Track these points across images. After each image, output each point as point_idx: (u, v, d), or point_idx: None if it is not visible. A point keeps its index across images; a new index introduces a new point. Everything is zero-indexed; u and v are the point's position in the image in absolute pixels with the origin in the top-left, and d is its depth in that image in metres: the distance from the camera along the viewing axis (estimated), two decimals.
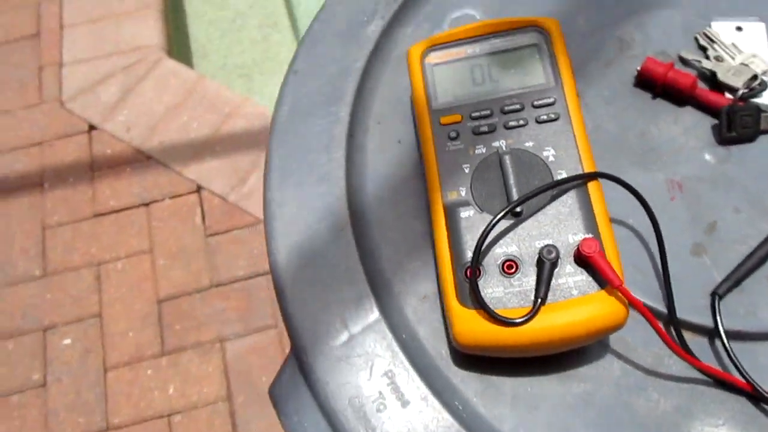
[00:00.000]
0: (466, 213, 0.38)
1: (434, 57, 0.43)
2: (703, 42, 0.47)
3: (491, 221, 0.36)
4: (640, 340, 0.39)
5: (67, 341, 1.27)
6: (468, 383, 0.40)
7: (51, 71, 1.59)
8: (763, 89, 0.45)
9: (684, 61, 0.47)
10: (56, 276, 1.34)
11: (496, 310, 0.35)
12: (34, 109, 1.54)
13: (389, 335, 0.40)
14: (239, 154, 1.44)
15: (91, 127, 1.50)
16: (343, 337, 0.40)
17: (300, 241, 0.43)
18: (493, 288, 0.36)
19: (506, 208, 0.36)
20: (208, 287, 1.30)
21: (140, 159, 1.45)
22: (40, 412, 1.21)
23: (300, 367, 0.40)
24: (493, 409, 0.38)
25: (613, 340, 0.39)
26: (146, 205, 1.40)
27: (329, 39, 0.50)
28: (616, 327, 0.36)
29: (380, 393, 0.39)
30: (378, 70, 0.49)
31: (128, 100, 1.52)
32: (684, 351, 0.36)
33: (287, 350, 1.20)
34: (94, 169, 1.45)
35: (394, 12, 0.50)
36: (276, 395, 0.40)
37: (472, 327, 0.36)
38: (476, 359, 0.39)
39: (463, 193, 0.39)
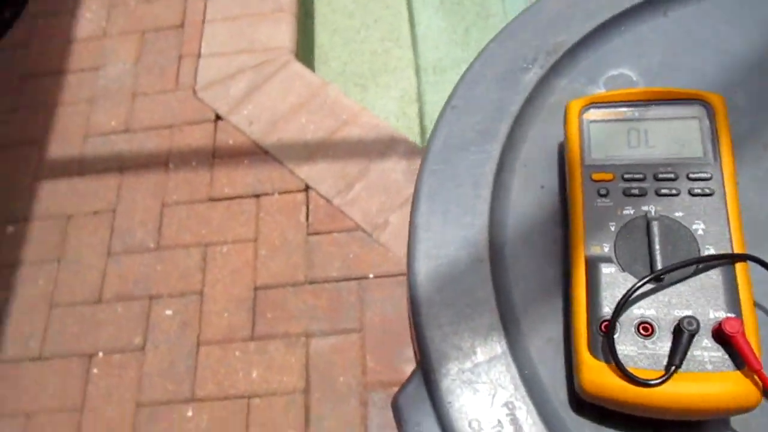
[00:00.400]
0: (607, 269, 0.40)
1: (593, 114, 0.45)
2: None
3: (637, 283, 0.38)
4: (763, 426, 0.39)
5: (169, 312, 1.37)
6: (582, 429, 0.41)
7: (189, 61, 1.72)
8: None
9: None
10: (168, 251, 1.44)
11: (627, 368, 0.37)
12: (170, 95, 1.67)
13: (513, 369, 0.42)
14: (350, 161, 1.50)
15: (218, 117, 1.61)
16: (471, 362, 0.43)
17: (440, 265, 0.46)
18: (626, 346, 0.38)
19: (655, 273, 0.38)
20: (303, 283, 1.37)
21: (258, 153, 1.54)
22: (136, 374, 1.31)
23: (426, 382, 0.43)
24: None
25: (735, 419, 0.40)
26: (257, 196, 1.49)
27: (489, 80, 0.53)
28: (747, 409, 0.36)
29: (499, 421, 0.41)
30: (530, 116, 0.52)
31: (254, 97, 1.62)
32: None
33: (368, 355, 1.24)
34: (215, 156, 1.55)
35: (553, 63, 0.52)
36: (400, 404, 0.43)
37: (600, 379, 0.38)
38: (594, 408, 0.41)
39: (606, 249, 0.41)
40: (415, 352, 0.48)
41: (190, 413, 1.25)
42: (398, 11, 2.11)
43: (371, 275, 1.36)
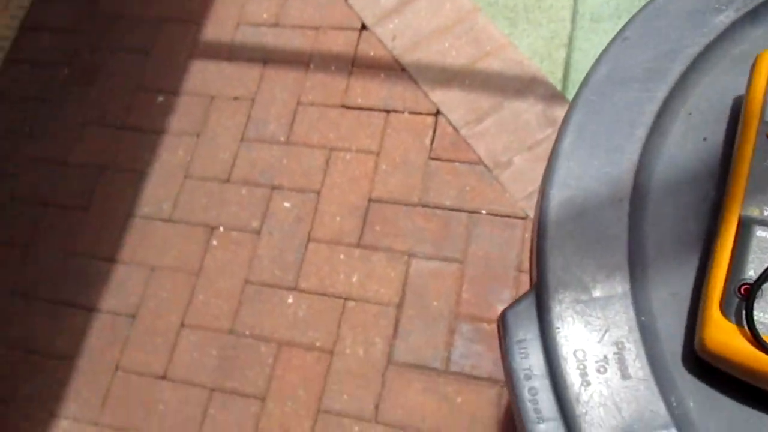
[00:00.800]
0: (762, 233, 0.38)
1: None
2: None
3: None
4: None
5: (287, 204, 1.44)
6: (689, 386, 0.40)
7: None
8: None
9: None
10: (295, 147, 1.51)
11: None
12: None
13: (631, 312, 0.42)
14: (484, 94, 1.47)
15: (363, 27, 1.62)
16: (588, 295, 0.42)
17: (576, 196, 0.45)
18: (764, 313, 0.36)
19: None
20: (415, 204, 1.39)
21: (395, 69, 1.55)
22: (249, 254, 1.41)
23: (538, 304, 0.43)
24: (706, 422, 0.39)
25: None
26: (387, 112, 1.50)
27: (671, 15, 0.50)
28: None
29: (605, 357, 0.41)
30: (710, 61, 0.48)
31: (402, 12, 1.61)
32: None
33: (464, 286, 1.26)
34: (354, 65, 1.58)
35: (753, 7, 0.48)
36: (507, 319, 0.44)
37: (727, 340, 0.36)
38: (707, 370, 0.40)
39: (765, 213, 0.38)
40: (530, 275, 0.48)
41: (290, 300, 1.34)
42: None
43: (484, 211, 1.36)
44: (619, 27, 0.49)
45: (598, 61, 0.50)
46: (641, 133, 0.46)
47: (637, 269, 0.43)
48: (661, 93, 0.47)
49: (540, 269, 0.44)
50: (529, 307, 0.44)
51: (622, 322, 0.41)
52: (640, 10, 0.51)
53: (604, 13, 1.92)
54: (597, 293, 0.42)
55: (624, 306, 0.42)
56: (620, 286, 0.43)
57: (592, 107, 0.48)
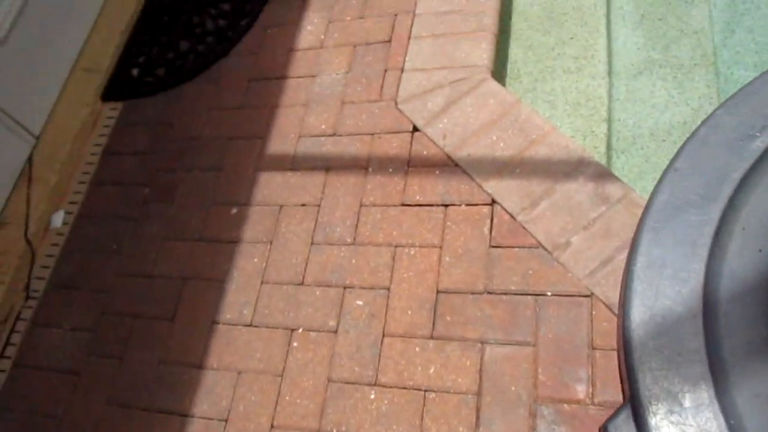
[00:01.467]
0: None
1: None
2: None
3: None
4: None
5: (360, 302, 1.53)
6: None
7: (393, 74, 1.88)
8: None
9: None
10: (362, 247, 1.61)
11: None
12: (373, 104, 1.84)
13: (720, 418, 0.47)
14: (536, 180, 1.56)
15: (415, 129, 1.75)
16: (679, 405, 0.48)
17: (654, 315, 0.52)
18: None
19: None
20: (481, 292, 1.46)
21: (449, 165, 1.66)
22: (328, 353, 1.49)
23: (635, 416, 0.49)
24: None
25: None
26: (445, 206, 1.60)
27: (713, 146, 0.57)
28: None
29: None
30: (753, 182, 0.55)
31: (450, 111, 1.74)
32: None
33: (540, 369, 1.30)
34: (409, 165, 1.69)
35: None
36: (609, 431, 0.50)
37: None
38: None
39: None
40: (622, 388, 0.54)
41: (372, 395, 1.40)
42: (596, 28, 2.10)
43: (549, 293, 1.41)
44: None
45: (655, 190, 0.58)
46: (703, 252, 0.53)
47: (719, 377, 0.49)
48: (716, 214, 0.55)
49: (631, 384, 0.50)
50: (626, 420, 0.50)
51: (713, 427, 0.47)
52: (685, 143, 0.59)
53: (639, 85, 2.01)
54: (687, 403, 0.48)
55: (713, 412, 0.48)
56: (706, 394, 0.49)
57: (656, 233, 0.55)
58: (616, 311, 1.34)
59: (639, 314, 0.52)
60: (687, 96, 1.91)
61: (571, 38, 2.10)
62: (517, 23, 2.17)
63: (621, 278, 0.55)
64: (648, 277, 0.53)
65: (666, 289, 0.52)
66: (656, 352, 0.50)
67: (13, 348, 1.79)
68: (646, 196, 1.55)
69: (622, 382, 0.52)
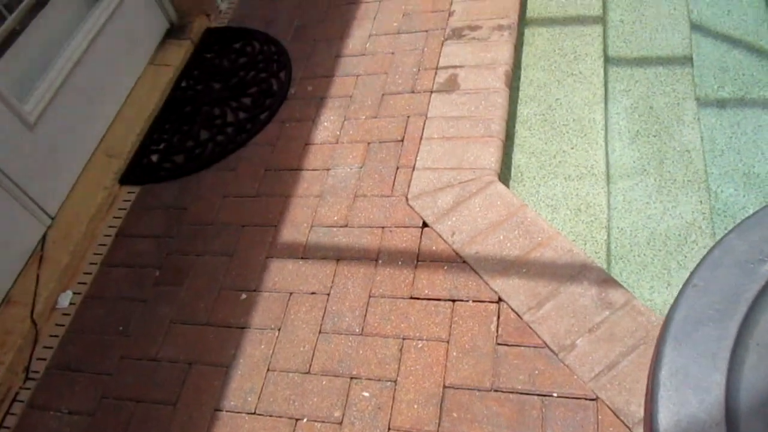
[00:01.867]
0: None
1: None
2: None
3: None
4: None
5: (366, 394, 1.54)
6: None
7: (404, 172, 1.98)
8: None
9: None
10: (370, 338, 1.63)
11: None
12: (385, 199, 1.92)
13: None
14: (541, 281, 1.61)
15: (424, 224, 1.82)
16: None
17: (680, 421, 0.56)
18: None
19: None
20: (489, 389, 1.47)
21: (456, 261, 1.72)
22: None
23: None
24: None
25: None
26: (453, 301, 1.64)
27: (727, 266, 0.64)
28: None
29: None
30: (764, 302, 0.61)
31: (458, 210, 1.82)
32: None
33: None
34: (419, 259, 1.75)
35: None
36: None
37: None
38: None
39: None
40: None
41: None
42: (594, 140, 2.23)
43: (555, 394, 1.43)
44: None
45: (675, 304, 0.63)
46: (722, 364, 0.58)
47: None
48: (733, 330, 0.60)
49: None
50: None
51: None
52: (701, 262, 0.65)
53: (635, 195, 2.12)
54: None
55: None
56: None
57: (679, 344, 0.60)
58: (622, 417, 1.36)
59: (666, 419, 0.56)
60: (681, 209, 2.01)
61: (572, 148, 2.23)
62: (520, 131, 2.31)
63: (645, 387, 0.59)
64: (673, 385, 0.58)
65: (690, 398, 0.57)
66: None
67: (7, 431, 1.76)
68: (645, 303, 1.61)
69: None
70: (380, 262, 1.78)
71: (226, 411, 1.61)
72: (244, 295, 1.83)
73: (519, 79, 2.51)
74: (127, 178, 2.31)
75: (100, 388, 1.76)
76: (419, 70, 2.30)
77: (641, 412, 1.37)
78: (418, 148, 2.03)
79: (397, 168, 2.00)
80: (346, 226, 1.90)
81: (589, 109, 2.34)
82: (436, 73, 2.26)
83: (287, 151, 2.18)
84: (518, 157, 2.24)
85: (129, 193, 2.27)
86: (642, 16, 2.77)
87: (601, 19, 2.64)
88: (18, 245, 2.05)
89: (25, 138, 2.08)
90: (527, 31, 2.64)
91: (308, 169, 2.10)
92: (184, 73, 2.64)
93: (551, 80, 2.48)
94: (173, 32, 2.78)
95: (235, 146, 2.27)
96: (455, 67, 2.27)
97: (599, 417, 1.39)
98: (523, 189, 2.16)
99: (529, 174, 2.19)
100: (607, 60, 2.59)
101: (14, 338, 1.89)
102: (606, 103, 2.39)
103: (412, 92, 2.23)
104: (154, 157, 2.35)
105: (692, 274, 0.64)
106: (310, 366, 1.63)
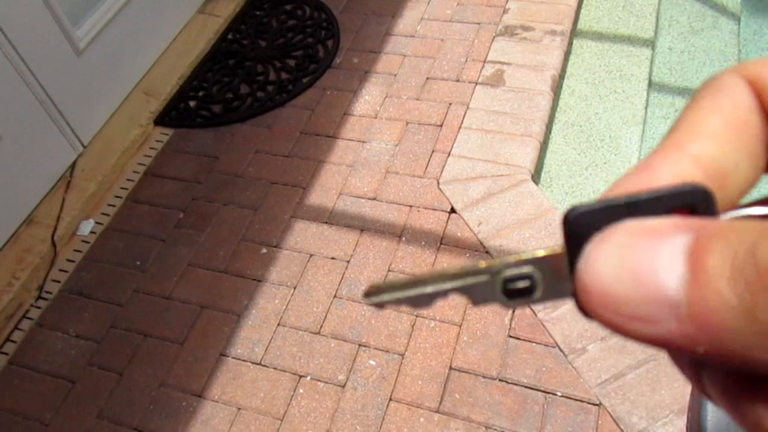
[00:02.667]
0: None
1: None
2: None
3: None
4: None
5: (372, 362, 1.56)
6: None
7: (439, 156, 1.99)
8: None
9: None
10: (384, 310, 1.64)
11: None
12: (416, 180, 1.94)
13: None
14: None
15: (452, 210, 1.84)
16: None
17: None
18: None
19: None
20: (494, 378, 1.49)
21: (479, 250, 1.73)
22: (333, 406, 1.50)
23: None
24: None
25: None
26: None
27: None
28: None
29: None
30: None
31: (488, 202, 1.83)
32: None
33: None
34: (442, 242, 1.77)
35: None
36: None
37: None
38: None
39: None
40: None
41: None
42: (628, 160, 2.24)
43: (559, 393, 1.45)
44: None
45: None
46: None
47: None
48: None
49: None
50: None
51: None
52: None
53: None
54: None
55: None
56: None
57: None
58: (622, 426, 1.37)
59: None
60: None
61: (605, 163, 2.24)
62: (555, 138, 2.31)
63: None
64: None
65: None
66: None
67: (13, 345, 1.78)
68: None
69: None
70: (404, 239, 1.80)
71: (232, 357, 1.63)
72: (264, 250, 1.85)
73: (561, 87, 2.52)
74: (162, 119, 2.32)
75: (110, 318, 1.78)
76: (467, 60, 2.31)
77: (641, 424, 1.38)
78: (456, 136, 2.04)
79: (433, 151, 2.01)
80: (374, 199, 1.91)
81: (627, 129, 2.34)
82: (483, 66, 2.27)
83: (325, 118, 2.19)
84: (550, 163, 2.25)
85: (162, 134, 2.28)
86: (692, 47, 2.77)
87: (651, 43, 2.64)
88: (48, 167, 2.07)
89: (72, 63, 2.09)
90: (576, 42, 2.64)
91: (344, 139, 2.11)
92: (231, 25, 2.65)
93: (593, 94, 2.49)
94: None
95: (274, 105, 2.28)
96: (503, 63, 2.27)
97: (599, 422, 1.40)
98: (550, 194, 2.16)
99: (558, 181, 2.20)
100: (651, 84, 2.59)
101: (32, 257, 1.91)
102: (644, 126, 2.40)
103: (457, 80, 2.24)
104: (192, 103, 2.36)
105: None
106: (321, 327, 1.64)
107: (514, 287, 0.21)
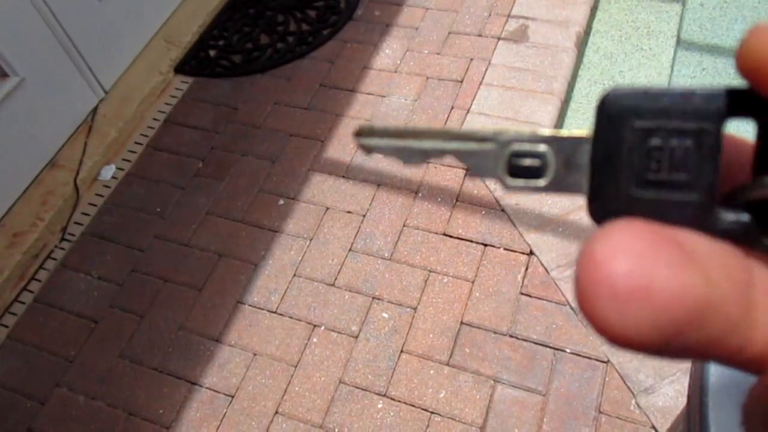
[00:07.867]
0: None
1: None
2: None
3: None
4: None
5: (385, 315, 1.59)
6: None
7: (458, 113, 1.97)
8: None
9: None
10: (398, 264, 1.67)
11: None
12: None
13: None
14: (575, 242, 1.63)
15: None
16: None
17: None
18: None
19: None
20: (504, 334, 1.51)
21: (495, 208, 1.73)
22: (345, 356, 1.54)
23: None
24: None
25: None
26: (484, 245, 1.67)
27: None
28: None
29: None
30: None
31: None
32: None
33: (545, 419, 1.35)
34: (458, 199, 1.77)
35: None
36: None
37: None
38: None
39: None
40: None
41: (380, 405, 1.45)
42: None
43: (568, 350, 1.47)
44: None
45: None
46: None
47: None
48: None
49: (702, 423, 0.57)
50: None
51: None
52: None
53: None
54: None
55: None
56: None
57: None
58: (629, 383, 1.39)
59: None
60: None
61: None
62: (577, 96, 2.28)
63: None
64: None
65: None
66: (733, 397, 0.56)
67: (38, 284, 1.83)
68: None
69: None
70: (420, 195, 1.80)
71: (248, 305, 1.67)
72: (281, 201, 1.87)
73: (586, 44, 2.46)
74: (182, 67, 2.32)
75: (131, 262, 1.82)
76: (490, 14, 2.26)
77: (648, 382, 1.41)
78: (476, 92, 2.01)
79: (452, 108, 1.99)
80: None
81: None
82: (506, 21, 2.22)
83: (345, 71, 2.18)
84: (571, 121, 2.22)
85: (182, 82, 2.29)
86: (724, 3, 2.68)
87: None
88: (70, 111, 2.09)
89: (94, 8, 2.09)
90: None
91: (363, 92, 2.10)
92: None
93: (619, 51, 2.43)
94: None
95: (294, 56, 2.27)
96: (527, 18, 2.22)
97: (606, 379, 1.43)
98: None
99: None
100: (679, 42, 2.52)
101: (56, 199, 1.96)
102: (669, 84, 2.34)
103: (479, 35, 2.19)
104: (212, 53, 2.35)
105: None
106: (336, 279, 1.67)
107: (521, 164, 0.19)
